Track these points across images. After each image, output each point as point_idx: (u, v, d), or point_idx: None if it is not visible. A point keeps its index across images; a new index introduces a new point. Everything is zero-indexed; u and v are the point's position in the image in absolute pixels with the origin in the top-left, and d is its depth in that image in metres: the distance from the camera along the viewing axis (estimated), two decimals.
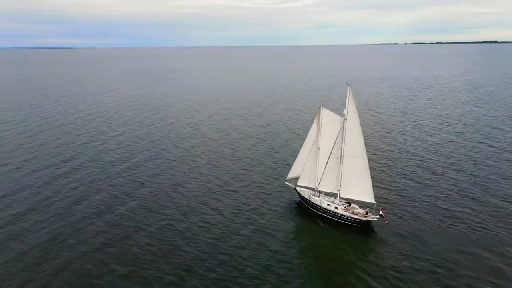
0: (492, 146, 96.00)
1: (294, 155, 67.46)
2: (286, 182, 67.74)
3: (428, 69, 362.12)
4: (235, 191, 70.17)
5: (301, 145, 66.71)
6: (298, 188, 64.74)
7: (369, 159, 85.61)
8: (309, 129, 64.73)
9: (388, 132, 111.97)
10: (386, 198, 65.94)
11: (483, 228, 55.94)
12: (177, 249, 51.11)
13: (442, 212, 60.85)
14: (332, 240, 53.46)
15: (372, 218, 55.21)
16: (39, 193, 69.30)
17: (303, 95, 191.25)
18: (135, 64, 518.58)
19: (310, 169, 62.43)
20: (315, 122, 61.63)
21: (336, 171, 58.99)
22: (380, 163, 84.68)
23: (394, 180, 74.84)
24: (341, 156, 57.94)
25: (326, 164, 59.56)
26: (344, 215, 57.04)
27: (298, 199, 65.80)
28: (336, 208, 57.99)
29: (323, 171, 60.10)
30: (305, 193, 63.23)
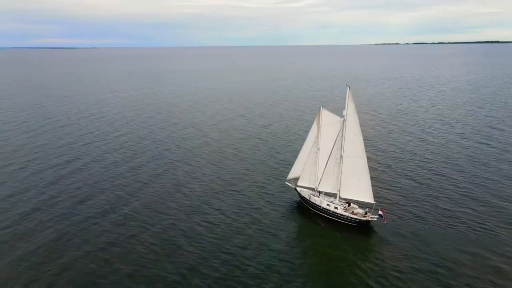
0: (493, 147, 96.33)
1: (295, 156, 68.02)
2: (286, 182, 68.30)
3: (429, 69, 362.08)
4: (237, 191, 70.73)
5: (302, 146, 67.27)
6: (298, 188, 65.31)
7: (371, 159, 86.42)
8: (310, 129, 65.30)
9: (389, 133, 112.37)
10: (387, 198, 66.41)
11: (484, 228, 56.36)
12: (180, 248, 51.68)
13: (443, 212, 61.28)
14: (332, 240, 53.96)
15: (371, 218, 55.76)
16: (43, 193, 69.98)
17: (305, 96, 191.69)
18: (136, 64, 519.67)
19: (310, 169, 63.04)
20: (315, 123, 62.24)
21: (336, 171, 59.55)
22: (381, 163, 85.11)
23: (395, 180, 75.27)
24: (341, 156, 58.50)
25: (326, 164, 60.15)
26: (344, 215, 57.60)
27: (299, 199, 66.33)
28: (336, 208, 58.56)
29: (323, 172, 60.68)
30: (305, 193, 63.81)
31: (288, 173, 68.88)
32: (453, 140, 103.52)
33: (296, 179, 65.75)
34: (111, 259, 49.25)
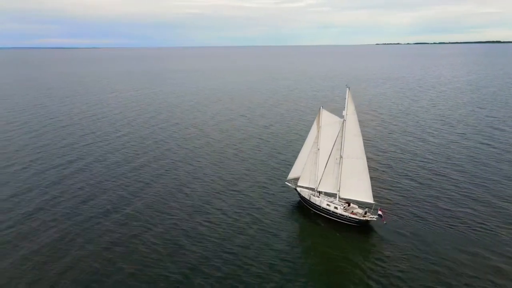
0: (494, 147, 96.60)
1: (296, 156, 68.42)
2: (286, 183, 68.70)
3: (430, 69, 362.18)
4: (238, 191, 71.10)
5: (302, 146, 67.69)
6: (298, 189, 65.71)
7: (371, 159, 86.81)
8: (310, 130, 65.71)
9: (390, 133, 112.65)
10: (387, 198, 66.76)
11: (484, 228, 56.67)
12: (182, 248, 52.08)
13: (443, 212, 61.60)
14: (332, 239, 54.32)
15: (370, 218, 56.18)
16: (46, 193, 70.44)
17: (306, 96, 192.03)
18: (136, 64, 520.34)
19: (310, 169, 63.47)
20: (315, 123, 62.67)
21: (335, 171, 59.96)
22: (382, 163, 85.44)
23: (396, 180, 75.60)
24: (341, 157, 58.91)
25: (326, 164, 60.58)
26: (344, 215, 58.02)
27: (299, 199, 66.69)
28: (336, 208, 58.99)
29: (323, 172, 61.10)
30: (305, 193, 64.24)
31: (288, 173, 69.29)
32: (454, 140, 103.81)
33: (296, 179, 66.14)
34: (114, 259, 49.66)
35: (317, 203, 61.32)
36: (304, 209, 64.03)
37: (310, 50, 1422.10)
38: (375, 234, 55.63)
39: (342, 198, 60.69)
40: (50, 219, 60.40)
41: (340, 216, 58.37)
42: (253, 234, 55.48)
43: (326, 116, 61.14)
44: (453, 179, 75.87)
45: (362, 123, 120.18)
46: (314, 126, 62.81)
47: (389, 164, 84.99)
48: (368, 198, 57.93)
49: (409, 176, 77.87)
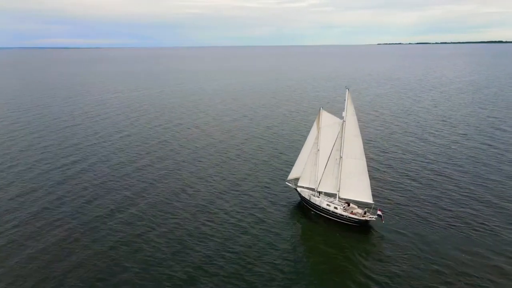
0: (495, 148, 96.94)
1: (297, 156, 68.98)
2: (286, 183, 69.31)
3: (432, 69, 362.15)
4: (241, 191, 71.72)
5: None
6: (298, 189, 66.34)
7: (373, 160, 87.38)
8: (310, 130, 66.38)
9: (391, 133, 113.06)
10: (388, 199, 67.28)
11: (485, 228, 57.11)
12: (186, 247, 52.72)
13: (444, 212, 62.07)
14: (333, 239, 54.86)
15: (370, 218, 56.75)
16: (51, 192, 71.20)
17: (308, 96, 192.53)
18: (137, 65, 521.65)
19: (310, 170, 64.13)
20: (315, 124, 63.35)
21: (335, 172, 60.59)
22: (383, 163, 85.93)
23: (397, 180, 76.07)
24: (340, 157, 59.55)
25: (326, 165, 61.24)
26: (343, 215, 58.62)
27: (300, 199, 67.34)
28: (336, 208, 59.61)
29: (323, 172, 61.76)
30: (305, 193, 64.89)
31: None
32: (455, 140, 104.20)
33: (297, 179, 66.78)
34: (119, 258, 50.33)
35: (317, 203, 61.97)
36: (305, 209, 64.62)
37: (312, 50, 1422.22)
38: (376, 234, 56.16)
39: (342, 198, 61.31)
40: (55, 218, 61.15)
41: (340, 216, 59.00)
42: (256, 234, 56.09)
43: (326, 117, 61.81)
44: (454, 179, 76.32)
45: (363, 124, 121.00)
46: (314, 127, 63.51)
47: (390, 164, 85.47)
48: (368, 198, 58.57)
49: (410, 176, 78.34)
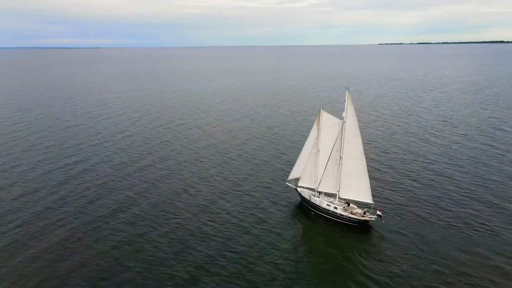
0: (496, 148, 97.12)
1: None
2: (287, 183, 69.66)
3: (433, 69, 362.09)
4: (243, 191, 72.07)
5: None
6: (299, 189, 66.72)
7: (374, 160, 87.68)
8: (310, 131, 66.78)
9: (392, 134, 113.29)
10: (389, 199, 67.57)
11: (485, 228, 57.35)
12: (188, 247, 53.08)
13: (445, 213, 62.33)
14: (334, 239, 55.17)
15: (369, 217, 57.08)
16: (53, 192, 71.64)
17: (309, 96, 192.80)
18: (139, 64, 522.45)
19: (310, 170, 64.54)
20: (315, 124, 63.74)
21: (335, 172, 60.96)
22: (384, 163, 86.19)
23: (398, 180, 76.33)
24: (340, 158, 59.90)
25: (326, 165, 61.61)
26: (343, 215, 58.97)
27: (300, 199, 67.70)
28: (335, 208, 59.98)
29: (323, 172, 62.14)
30: (306, 193, 65.27)
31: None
32: (456, 141, 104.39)
33: (297, 179, 67.16)
34: (121, 258, 50.70)
35: (317, 203, 62.37)
36: (306, 209, 64.97)
37: (312, 50, 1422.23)
38: (377, 234, 56.45)
39: (341, 199, 61.67)
40: (58, 218, 61.58)
41: (340, 216, 59.37)
42: (257, 234, 56.43)
43: (326, 118, 62.18)
44: (455, 179, 76.55)
45: (364, 124, 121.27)
46: (314, 128, 63.91)
47: (391, 165, 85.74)
48: (367, 199, 58.92)
49: (411, 176, 78.60)
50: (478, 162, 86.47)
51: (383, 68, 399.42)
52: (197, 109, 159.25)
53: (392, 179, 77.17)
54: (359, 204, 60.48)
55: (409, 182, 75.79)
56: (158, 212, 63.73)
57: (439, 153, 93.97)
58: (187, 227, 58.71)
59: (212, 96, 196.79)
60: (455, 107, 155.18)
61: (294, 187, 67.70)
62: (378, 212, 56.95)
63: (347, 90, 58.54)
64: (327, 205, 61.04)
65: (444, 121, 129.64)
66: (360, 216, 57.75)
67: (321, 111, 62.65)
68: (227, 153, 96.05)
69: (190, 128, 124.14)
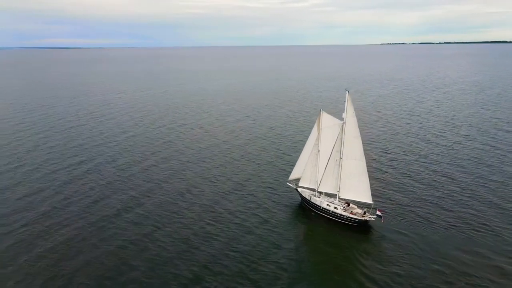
0: (498, 148, 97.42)
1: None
2: (288, 183, 70.23)
3: (435, 70, 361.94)
4: (245, 191, 72.64)
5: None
6: (299, 189, 67.31)
7: (375, 160, 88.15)
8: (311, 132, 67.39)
9: (394, 134, 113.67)
10: (391, 199, 68.02)
11: (486, 229, 57.75)
12: (191, 247, 53.68)
13: (446, 213, 62.76)
14: (335, 239, 55.66)
15: (369, 218, 57.62)
16: (58, 192, 72.37)
17: (311, 97, 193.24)
18: (139, 65, 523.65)
19: (310, 170, 65.19)
20: (315, 125, 64.38)
21: (335, 172, 61.54)
22: (385, 164, 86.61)
23: (399, 181, 76.76)
24: (340, 158, 60.48)
25: (326, 166, 62.20)
26: (343, 215, 59.52)
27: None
28: (336, 208, 60.54)
29: (323, 173, 62.73)
30: (306, 193, 65.87)
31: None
32: (458, 141, 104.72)
33: (298, 180, 67.76)
34: (126, 257, 51.33)
35: (318, 203, 62.99)
36: (307, 209, 65.50)
37: (313, 50, 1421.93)
38: (378, 234, 56.92)
39: (342, 199, 62.24)
40: (63, 218, 62.27)
41: (340, 216, 59.93)
42: (260, 234, 56.99)
43: (326, 119, 62.80)
44: (456, 180, 76.95)
45: (366, 124, 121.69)
46: (315, 128, 64.53)
47: (392, 165, 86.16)
48: (367, 199, 59.48)
49: (412, 176, 79.02)
50: (480, 163, 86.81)
51: (385, 68, 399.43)
52: (199, 109, 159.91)
53: (393, 179, 77.61)
54: (359, 204, 60.99)
55: (410, 182, 76.22)
56: (162, 212, 64.36)
57: (440, 153, 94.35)
58: (191, 227, 59.32)
59: (214, 96, 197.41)
60: (457, 108, 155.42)
61: (295, 187, 68.28)
62: (378, 212, 57.48)
63: (347, 91, 59.11)
64: (327, 205, 61.64)
65: (446, 121, 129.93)
66: (360, 216, 58.29)
67: (321, 112, 63.24)
68: (229, 154, 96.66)
69: (193, 129, 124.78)
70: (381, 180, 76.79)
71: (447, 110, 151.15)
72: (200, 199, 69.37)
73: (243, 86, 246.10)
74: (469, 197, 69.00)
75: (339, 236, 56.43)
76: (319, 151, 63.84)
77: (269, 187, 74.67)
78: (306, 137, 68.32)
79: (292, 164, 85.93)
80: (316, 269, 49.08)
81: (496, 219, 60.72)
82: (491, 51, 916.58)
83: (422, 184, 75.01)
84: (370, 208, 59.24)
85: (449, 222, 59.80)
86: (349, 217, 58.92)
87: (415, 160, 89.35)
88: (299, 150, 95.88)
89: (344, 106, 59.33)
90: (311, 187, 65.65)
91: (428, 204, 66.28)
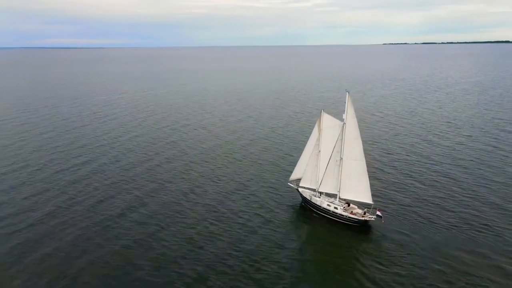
0: (500, 149, 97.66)
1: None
2: (289, 183, 70.78)
3: (437, 70, 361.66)
4: (248, 192, 73.20)
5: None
6: (300, 189, 67.88)
7: (377, 160, 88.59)
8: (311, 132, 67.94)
9: (396, 135, 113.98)
10: (392, 199, 68.44)
11: (488, 229, 58.10)
12: (195, 247, 54.23)
13: (447, 214, 63.13)
14: (337, 239, 56.08)
15: (369, 218, 58.09)
16: (63, 192, 73.08)
17: (313, 97, 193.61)
18: (140, 65, 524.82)
19: (311, 171, 65.79)
20: (316, 126, 64.96)
21: (336, 173, 62.09)
22: (387, 164, 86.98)
23: (401, 181, 77.13)
24: (341, 159, 61.02)
25: (327, 166, 62.74)
26: (343, 215, 60.05)
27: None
28: (336, 208, 61.06)
29: (324, 173, 63.25)
30: (307, 193, 66.46)
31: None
32: (460, 142, 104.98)
33: (298, 180, 68.31)
34: (131, 257, 51.93)
35: (318, 203, 63.56)
36: (308, 209, 66.02)
37: (315, 50, 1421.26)
38: (380, 234, 57.35)
39: (342, 199, 62.74)
40: (68, 218, 62.95)
41: (340, 216, 60.46)
42: (262, 234, 57.51)
43: (326, 120, 63.36)
44: (458, 180, 77.28)
45: (368, 125, 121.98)
46: (315, 129, 65.13)
47: (394, 165, 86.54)
48: (367, 199, 59.96)
49: (414, 177, 79.39)
50: (482, 163, 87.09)
51: (387, 68, 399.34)
52: (202, 110, 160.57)
53: (395, 180, 78.00)
54: (359, 205, 61.48)
55: (412, 182, 76.60)
56: (166, 211, 64.99)
57: (442, 154, 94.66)
58: (194, 226, 59.91)
59: (216, 97, 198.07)
60: (459, 108, 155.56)
61: (296, 187, 68.86)
62: (378, 213, 57.95)
63: (347, 92, 59.62)
64: (328, 205, 62.20)
65: (448, 122, 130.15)
66: (360, 216, 58.79)
67: (322, 113, 63.84)
68: (232, 154, 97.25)
69: (196, 129, 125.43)
70: (382, 181, 77.21)
71: (449, 110, 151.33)
72: (204, 199, 69.96)
73: (245, 86, 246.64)
74: (471, 197, 69.35)
75: (340, 236, 56.91)
76: (319, 151, 64.39)
77: (272, 187, 75.21)
78: (308, 138, 68.84)
79: (294, 165, 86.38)
80: (318, 269, 49.57)
81: (498, 219, 61.06)
82: (494, 51, 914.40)
83: (424, 185, 75.39)
84: (370, 208, 59.73)
85: (450, 222, 60.19)
86: (349, 217, 59.44)
87: (417, 161, 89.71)
88: (301, 151, 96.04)
89: (345, 107, 59.86)
90: (311, 187, 66.24)
91: (430, 204, 66.67)
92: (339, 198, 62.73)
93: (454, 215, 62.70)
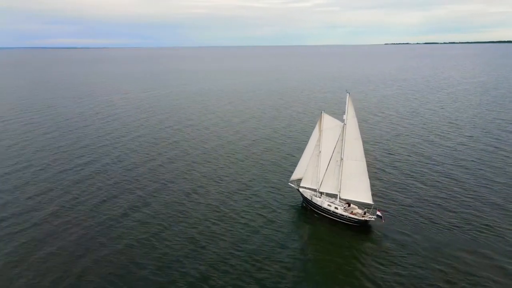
0: (502, 150, 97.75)
1: None
2: (289, 183, 71.16)
3: (439, 70, 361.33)
4: (251, 192, 73.58)
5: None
6: (301, 189, 68.28)
7: (378, 161, 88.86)
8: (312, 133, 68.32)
9: (397, 135, 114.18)
10: (393, 199, 68.71)
11: (489, 230, 58.31)
12: (198, 247, 54.63)
13: (449, 214, 63.36)
14: (338, 240, 56.38)
15: (369, 218, 58.41)
16: (67, 192, 73.61)
17: (315, 97, 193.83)
18: (141, 65, 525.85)
19: (312, 171, 66.20)
20: (317, 126, 65.39)
21: (336, 173, 62.45)
22: (389, 165, 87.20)
23: (402, 181, 77.36)
24: (341, 159, 61.37)
25: (327, 166, 63.13)
26: (343, 215, 60.39)
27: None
28: (336, 208, 61.43)
29: (324, 173, 63.66)
30: (307, 194, 66.85)
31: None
32: (461, 142, 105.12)
33: (299, 180, 68.72)
34: (134, 256, 52.38)
35: (319, 203, 63.94)
36: (309, 209, 66.37)
37: (316, 50, 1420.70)
38: (381, 234, 57.64)
39: (342, 199, 63.09)
40: (72, 217, 63.47)
41: (340, 216, 60.81)
42: (265, 234, 57.87)
43: (327, 120, 63.76)
44: (459, 181, 77.48)
45: (369, 125, 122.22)
46: (316, 130, 65.55)
47: (395, 166, 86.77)
48: (368, 199, 60.30)
49: (416, 177, 79.61)
50: (483, 164, 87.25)
51: (389, 68, 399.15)
52: (204, 110, 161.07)
53: (396, 180, 78.26)
54: (360, 205, 61.80)
55: (414, 183, 76.83)
56: (168, 211, 65.42)
57: (444, 154, 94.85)
58: (196, 226, 60.32)
59: (218, 97, 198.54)
60: (461, 108, 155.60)
61: (296, 187, 69.26)
62: (378, 213, 58.24)
63: (347, 93, 59.96)
64: (328, 205, 62.57)
65: (450, 122, 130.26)
66: (360, 216, 59.11)
67: (322, 114, 64.26)
68: (234, 154, 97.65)
69: (198, 129, 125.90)
70: (384, 181, 77.48)
71: (451, 111, 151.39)
72: (206, 199, 70.38)
73: (246, 86, 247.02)
74: (472, 198, 69.56)
75: (341, 236, 57.21)
76: (320, 152, 64.76)
77: (274, 188, 75.58)
78: (309, 138, 69.20)
79: (296, 165, 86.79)
80: (319, 268, 49.90)
81: (499, 220, 61.26)
82: (496, 51, 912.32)
83: (425, 185, 75.63)
84: (370, 208, 60.04)
85: (451, 222, 60.43)
86: (349, 217, 59.78)
87: (418, 161, 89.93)
88: (302, 151, 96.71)
89: (345, 108, 60.20)
90: (312, 187, 66.67)
91: (431, 205, 66.91)
92: (340, 198, 63.08)
93: (456, 215, 62.95)
